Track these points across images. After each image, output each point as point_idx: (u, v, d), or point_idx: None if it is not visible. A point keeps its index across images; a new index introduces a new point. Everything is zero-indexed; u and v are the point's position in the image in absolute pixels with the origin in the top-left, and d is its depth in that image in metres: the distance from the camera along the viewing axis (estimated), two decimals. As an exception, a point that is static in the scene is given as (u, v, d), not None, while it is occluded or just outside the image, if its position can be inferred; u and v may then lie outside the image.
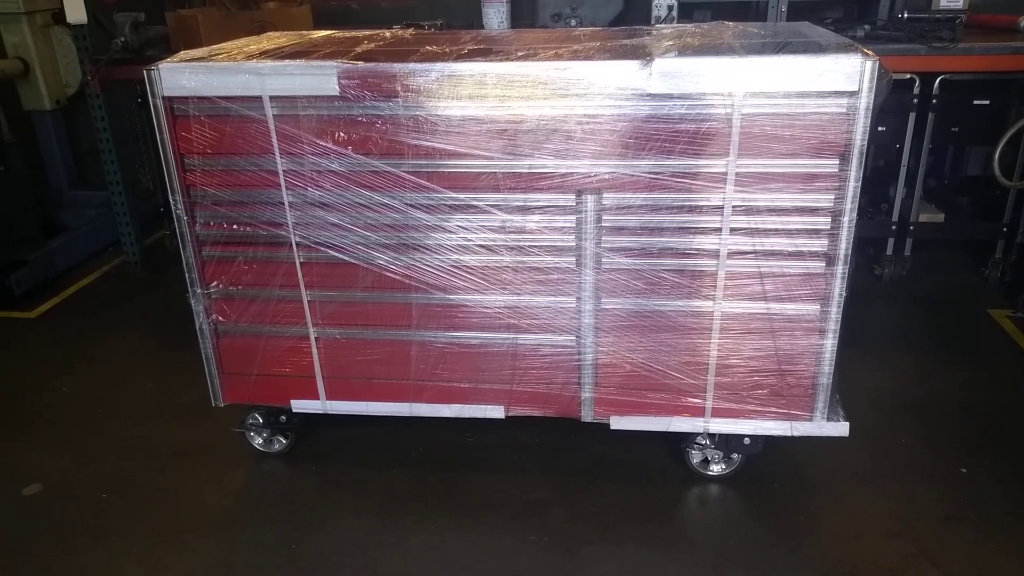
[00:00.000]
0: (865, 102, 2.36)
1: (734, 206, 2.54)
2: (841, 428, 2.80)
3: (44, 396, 3.86)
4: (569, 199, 2.63)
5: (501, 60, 2.54)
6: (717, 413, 2.84)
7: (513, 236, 2.71)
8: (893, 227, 4.60)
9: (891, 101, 4.02)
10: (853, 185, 2.45)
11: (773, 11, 4.66)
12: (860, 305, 4.39)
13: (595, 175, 2.58)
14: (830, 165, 2.46)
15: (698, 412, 2.85)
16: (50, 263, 5.11)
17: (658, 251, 2.66)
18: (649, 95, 2.45)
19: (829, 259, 2.57)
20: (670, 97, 2.44)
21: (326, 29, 3.55)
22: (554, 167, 2.59)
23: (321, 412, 3.10)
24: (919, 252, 4.74)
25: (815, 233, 2.55)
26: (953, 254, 5.04)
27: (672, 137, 2.48)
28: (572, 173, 2.59)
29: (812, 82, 2.36)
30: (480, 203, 2.68)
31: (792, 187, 2.50)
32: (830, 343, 2.67)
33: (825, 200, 2.50)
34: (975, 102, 4.29)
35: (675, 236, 2.63)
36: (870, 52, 2.35)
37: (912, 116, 4.30)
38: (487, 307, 2.82)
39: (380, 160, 2.65)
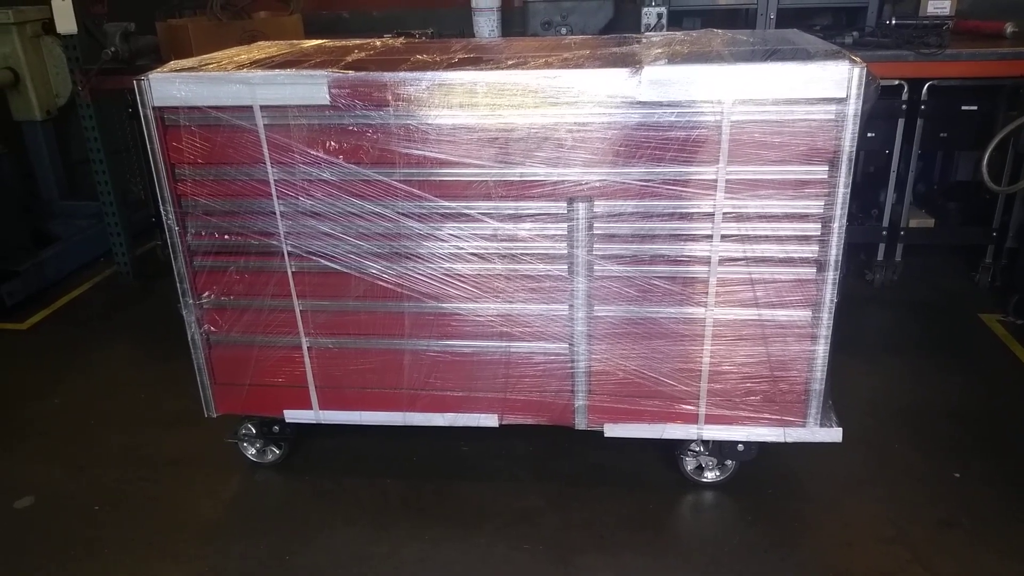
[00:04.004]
0: (853, 108, 2.37)
1: (725, 213, 2.55)
2: (834, 434, 2.80)
3: (36, 407, 3.84)
4: (560, 207, 2.64)
5: (492, 69, 2.54)
6: (710, 420, 2.84)
7: (505, 244, 2.71)
8: (884, 232, 4.61)
9: (880, 107, 4.07)
10: (842, 191, 2.46)
11: (762, 19, 4.68)
12: (852, 311, 4.41)
13: (586, 183, 2.58)
14: (819, 171, 2.47)
15: (691, 419, 2.85)
16: (41, 274, 5.08)
17: (650, 258, 2.67)
18: (639, 103, 2.45)
19: (820, 265, 2.57)
20: (660, 105, 2.45)
21: (317, 38, 3.55)
22: (545, 175, 2.59)
23: (314, 422, 3.09)
24: (910, 257, 4.76)
25: (805, 239, 2.56)
26: (944, 259, 5.06)
27: (662, 145, 2.49)
28: (563, 181, 2.59)
29: (801, 89, 2.37)
30: (472, 211, 2.68)
31: (782, 194, 2.51)
32: (822, 349, 2.67)
33: (815, 206, 2.51)
34: (963, 108, 4.31)
35: (666, 243, 2.64)
36: (858, 59, 2.37)
37: (901, 122, 4.33)
38: (480, 315, 2.82)
39: (371, 169, 2.65)
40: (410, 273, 2.78)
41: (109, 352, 4.36)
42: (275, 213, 2.75)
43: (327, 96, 2.55)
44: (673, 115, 2.46)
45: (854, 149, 2.41)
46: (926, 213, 4.72)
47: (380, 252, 2.77)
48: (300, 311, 2.90)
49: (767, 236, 2.57)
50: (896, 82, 4.22)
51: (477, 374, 2.91)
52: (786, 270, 2.61)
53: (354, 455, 3.37)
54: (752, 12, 4.72)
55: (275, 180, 2.71)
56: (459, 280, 2.78)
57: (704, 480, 3.08)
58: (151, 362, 4.22)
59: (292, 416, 3.09)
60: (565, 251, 2.70)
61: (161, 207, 2.78)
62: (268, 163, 2.68)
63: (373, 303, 2.85)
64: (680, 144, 2.49)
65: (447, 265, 2.76)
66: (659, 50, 2.70)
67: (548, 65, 2.54)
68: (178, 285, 2.89)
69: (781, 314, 2.66)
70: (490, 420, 2.97)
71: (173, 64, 2.80)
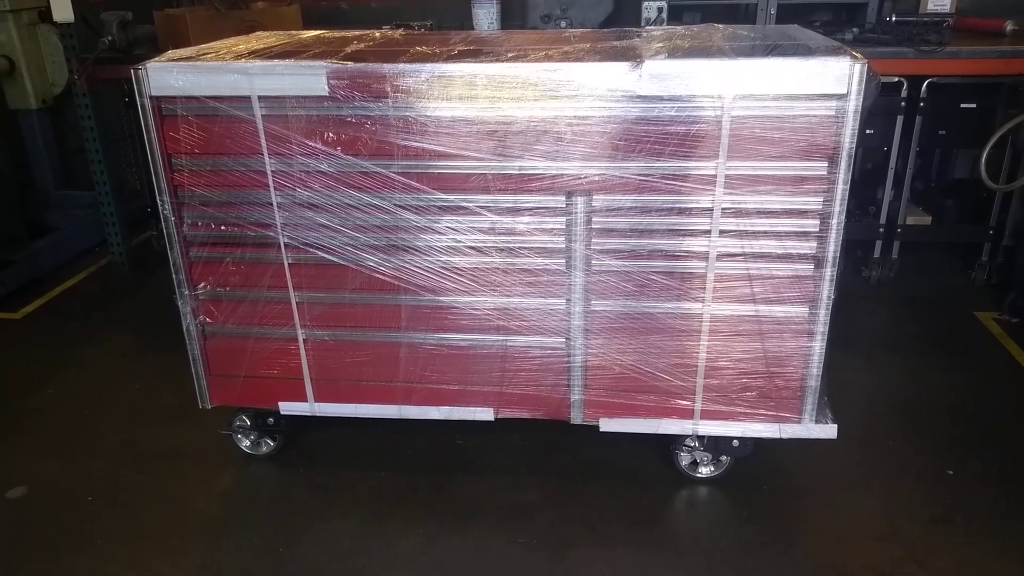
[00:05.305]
0: (854, 105, 2.36)
1: (723, 208, 2.55)
2: (829, 430, 2.80)
3: (29, 398, 3.82)
4: (559, 201, 2.63)
5: (491, 61, 2.53)
6: (706, 415, 2.84)
7: (503, 238, 2.71)
8: (881, 229, 4.62)
9: (879, 104, 4.05)
10: (841, 188, 2.46)
11: (762, 14, 4.68)
12: (848, 307, 4.41)
13: (585, 177, 2.57)
14: (819, 168, 2.46)
15: (687, 414, 2.85)
16: (35, 263, 5.06)
17: (648, 253, 2.66)
18: (639, 97, 2.45)
19: (817, 261, 2.57)
20: (660, 99, 2.44)
21: (315, 29, 3.53)
22: (544, 168, 2.58)
23: (309, 414, 3.08)
24: (906, 254, 4.76)
25: (804, 236, 2.56)
26: (940, 256, 5.07)
27: (662, 139, 2.48)
28: (562, 175, 2.58)
29: (801, 85, 2.37)
30: (470, 204, 2.67)
31: (781, 189, 2.51)
32: (818, 345, 2.67)
33: (814, 203, 2.51)
34: (962, 105, 4.31)
35: (665, 238, 2.63)
36: (859, 55, 2.36)
37: (900, 119, 4.32)
38: (477, 309, 2.82)
39: (369, 161, 2.64)
40: (407, 266, 2.78)
41: (103, 343, 4.35)
42: (272, 204, 2.74)
43: (325, 87, 2.54)
44: (673, 109, 2.45)
45: (854, 145, 2.40)
46: (923, 210, 4.73)
47: (377, 244, 2.76)
48: (296, 303, 2.89)
49: (765, 232, 2.57)
50: (896, 79, 4.22)
51: (473, 368, 2.91)
52: (784, 266, 2.60)
53: (349, 448, 3.36)
54: (752, 7, 4.72)
55: (272, 171, 2.69)
56: (456, 273, 2.77)
57: (699, 475, 3.08)
58: (146, 353, 4.20)
59: (287, 408, 3.08)
60: (563, 245, 2.69)
61: (157, 197, 2.77)
62: (265, 154, 2.67)
63: (370, 295, 2.84)
64: (680, 139, 2.48)
65: (444, 258, 2.76)
66: (659, 44, 2.68)
67: (548, 58, 2.52)
68: (174, 276, 2.87)
69: (778, 310, 2.66)
70: (486, 414, 2.96)
71: (171, 53, 2.79)
